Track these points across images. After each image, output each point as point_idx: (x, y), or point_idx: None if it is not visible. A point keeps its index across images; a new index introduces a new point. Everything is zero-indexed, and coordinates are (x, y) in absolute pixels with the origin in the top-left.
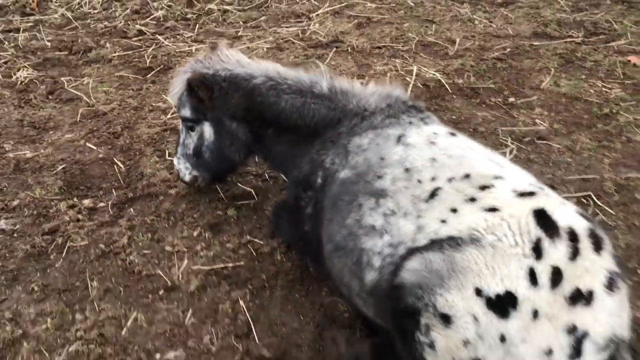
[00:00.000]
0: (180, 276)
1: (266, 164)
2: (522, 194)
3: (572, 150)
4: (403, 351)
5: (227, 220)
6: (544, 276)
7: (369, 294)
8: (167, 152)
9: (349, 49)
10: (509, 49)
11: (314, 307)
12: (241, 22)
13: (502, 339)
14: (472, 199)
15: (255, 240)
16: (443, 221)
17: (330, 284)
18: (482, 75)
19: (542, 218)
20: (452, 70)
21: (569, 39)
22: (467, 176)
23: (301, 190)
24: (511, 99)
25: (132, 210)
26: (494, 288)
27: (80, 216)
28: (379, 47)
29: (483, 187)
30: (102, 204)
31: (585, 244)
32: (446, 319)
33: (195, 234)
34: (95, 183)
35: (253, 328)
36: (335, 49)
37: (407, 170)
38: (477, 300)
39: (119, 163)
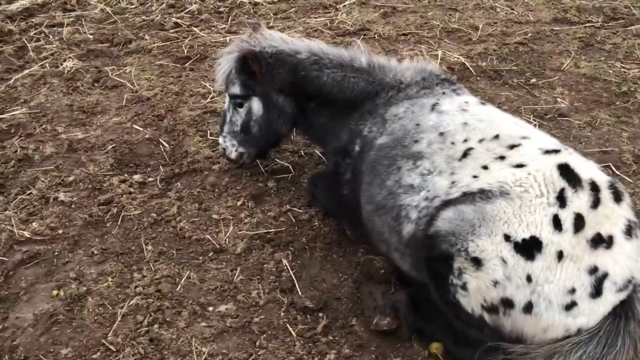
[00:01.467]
0: (227, 240)
1: (305, 137)
2: (548, 152)
3: (592, 126)
4: (437, 295)
5: (268, 191)
6: (567, 222)
7: (406, 245)
8: (208, 132)
9: (375, 36)
10: (530, 34)
11: (351, 265)
12: (272, 14)
13: (529, 279)
14: (502, 157)
15: (294, 209)
16: (475, 177)
17: (366, 245)
18: (505, 58)
19: (566, 171)
20: (476, 54)
21: (588, 24)
22: (496, 137)
23: (340, 159)
24: (533, 80)
25: (179, 184)
26: (521, 234)
27: (132, 189)
28: (404, 34)
29: (511, 146)
30: (151, 179)
31: (605, 194)
32: (477, 262)
33: (239, 203)
34: (143, 161)
35: (296, 284)
36: (362, 36)
37: (441, 134)
38: (506, 244)
39: (164, 143)
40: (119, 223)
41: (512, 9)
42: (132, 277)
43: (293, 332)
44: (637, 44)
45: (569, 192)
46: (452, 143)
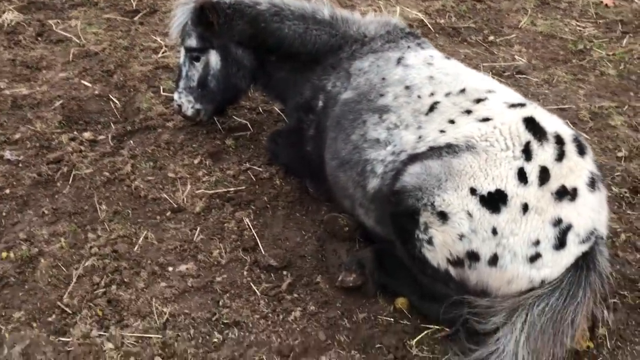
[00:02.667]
0: (185, 200)
1: (264, 93)
2: (513, 105)
3: (549, 83)
4: (403, 251)
5: (226, 149)
6: (532, 175)
7: (371, 200)
8: (161, 88)
9: None
10: None
11: (314, 223)
12: None
13: (494, 231)
14: (468, 111)
15: (254, 167)
16: (442, 131)
17: (329, 203)
18: (463, 15)
19: (531, 124)
20: (434, 11)
21: None
22: (462, 91)
23: (302, 114)
24: (491, 37)
25: (131, 142)
26: (486, 187)
27: (82, 147)
28: None
29: (477, 100)
30: (102, 137)
31: (570, 147)
32: (443, 216)
33: (196, 162)
34: (93, 118)
35: (259, 242)
36: None
37: (407, 87)
38: (472, 198)
39: (114, 99)
40: (70, 182)
41: None
42: (86, 237)
43: (257, 291)
44: (591, 2)
45: (535, 145)
46: (419, 97)
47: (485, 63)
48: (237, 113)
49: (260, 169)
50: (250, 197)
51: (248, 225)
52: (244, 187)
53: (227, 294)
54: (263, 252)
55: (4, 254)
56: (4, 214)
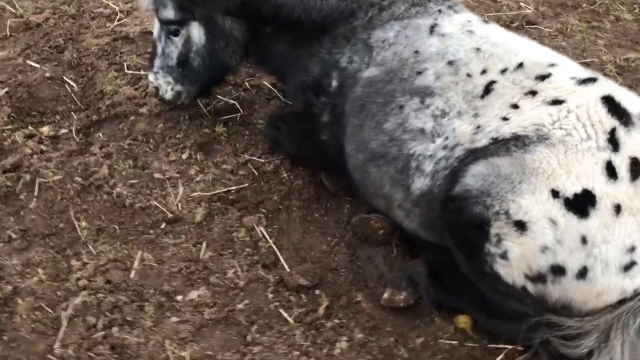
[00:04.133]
0: (180, 206)
1: (259, 69)
2: (584, 81)
3: (564, 34)
4: (467, 265)
5: (217, 138)
6: (622, 168)
7: (415, 203)
8: (125, 65)
9: None
10: None
11: (339, 225)
12: None
13: (583, 240)
14: (533, 92)
15: (254, 158)
16: (504, 119)
17: (350, 199)
18: None
19: (612, 105)
20: None
21: None
22: (520, 65)
23: (312, 96)
24: None
25: (100, 134)
26: (571, 187)
27: (42, 147)
28: None
29: (541, 77)
30: (64, 131)
31: None
32: (521, 226)
33: (184, 157)
34: (48, 107)
35: (279, 255)
36: None
37: (450, 63)
38: (554, 202)
39: (70, 82)
40: (35, 194)
41: None
42: (69, 265)
43: (289, 319)
44: None
45: (621, 132)
46: (468, 75)
47: (489, 13)
48: (221, 91)
49: (262, 160)
50: (257, 197)
51: (262, 234)
52: (246, 185)
53: (255, 326)
54: (287, 268)
55: None
56: None
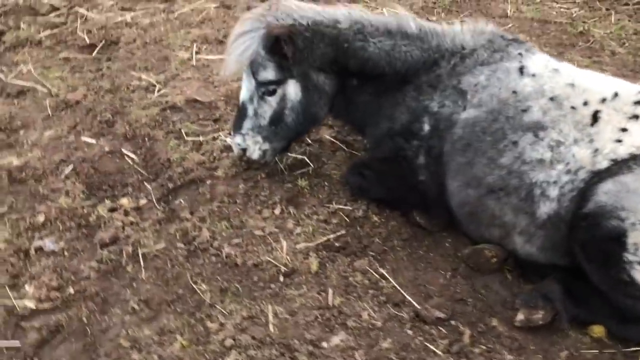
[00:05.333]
0: (289, 259)
1: (339, 120)
2: None
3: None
4: (601, 276)
5: (301, 191)
6: None
7: (540, 227)
8: (183, 132)
9: None
10: None
11: (446, 259)
12: None
13: None
14: (635, 116)
15: (342, 206)
16: (618, 141)
17: (446, 234)
18: (449, 9)
19: None
20: (420, 8)
21: None
22: (616, 95)
23: (402, 141)
24: None
25: (181, 201)
26: None
27: (131, 218)
28: None
29: (637, 102)
30: (143, 201)
31: None
32: None
33: (277, 212)
34: (117, 180)
35: (404, 292)
36: None
37: (552, 99)
38: None
39: (130, 153)
40: (142, 264)
41: None
42: (206, 328)
43: (437, 350)
44: None
45: None
46: (572, 107)
47: None
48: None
49: (349, 208)
50: (359, 242)
51: (379, 275)
52: (344, 232)
53: None
54: (417, 304)
55: None
56: (84, 319)
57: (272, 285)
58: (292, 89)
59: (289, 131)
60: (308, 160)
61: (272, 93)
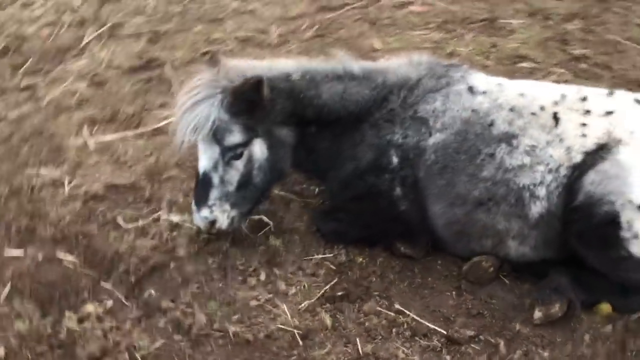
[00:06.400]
0: (299, 320)
1: (299, 170)
2: (610, 94)
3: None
4: (601, 258)
5: (277, 250)
6: None
7: (533, 227)
8: (120, 218)
9: None
10: None
11: (444, 280)
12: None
13: None
14: (587, 111)
15: (323, 255)
16: (583, 135)
17: (430, 258)
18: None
19: None
20: (297, 53)
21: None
22: (563, 96)
23: (373, 178)
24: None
25: (152, 291)
26: None
27: (107, 323)
28: None
29: (583, 99)
30: (109, 302)
31: None
32: None
33: (262, 277)
34: (67, 288)
35: (425, 323)
36: None
37: (511, 110)
38: None
39: (68, 257)
40: None
41: None
42: None
43: None
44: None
45: None
46: (533, 114)
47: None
48: None
49: (330, 255)
50: (358, 286)
51: (396, 311)
52: (337, 280)
53: None
54: (442, 330)
55: None
56: None
57: (295, 352)
58: (259, 148)
59: (257, 192)
60: (266, 219)
61: (239, 156)
